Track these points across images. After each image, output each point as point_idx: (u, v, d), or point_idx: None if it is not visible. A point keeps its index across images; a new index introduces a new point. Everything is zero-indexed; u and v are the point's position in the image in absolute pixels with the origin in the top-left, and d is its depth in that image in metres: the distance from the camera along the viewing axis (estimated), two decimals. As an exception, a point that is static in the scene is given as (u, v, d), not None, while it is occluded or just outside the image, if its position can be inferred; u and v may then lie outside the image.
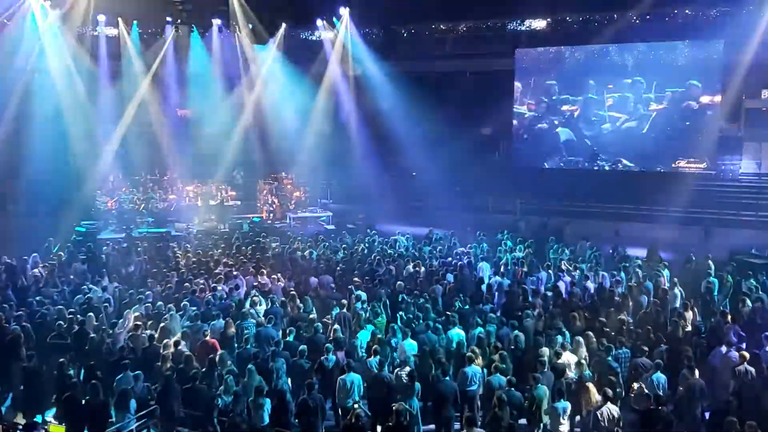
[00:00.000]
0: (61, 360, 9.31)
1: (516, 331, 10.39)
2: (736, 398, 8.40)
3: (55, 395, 9.09)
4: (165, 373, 8.95)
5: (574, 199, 22.14)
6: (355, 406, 8.34)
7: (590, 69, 24.43)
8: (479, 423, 8.56)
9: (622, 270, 14.28)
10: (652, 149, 23.38)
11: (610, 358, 9.28)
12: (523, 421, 8.69)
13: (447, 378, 8.82)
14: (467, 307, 11.83)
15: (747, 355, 9.36)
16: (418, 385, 8.80)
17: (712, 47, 22.20)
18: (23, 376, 9.37)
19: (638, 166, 23.88)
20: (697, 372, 8.95)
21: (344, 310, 11.60)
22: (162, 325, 10.51)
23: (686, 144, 22.78)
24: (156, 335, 10.15)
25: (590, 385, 8.66)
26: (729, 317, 11.05)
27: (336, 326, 10.70)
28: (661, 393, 8.58)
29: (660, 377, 8.86)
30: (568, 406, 8.28)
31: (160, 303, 11.75)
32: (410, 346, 9.93)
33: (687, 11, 21.32)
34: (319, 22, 24.34)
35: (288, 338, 10.33)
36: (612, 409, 8.04)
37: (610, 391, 8.19)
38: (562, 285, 13.28)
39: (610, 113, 24.16)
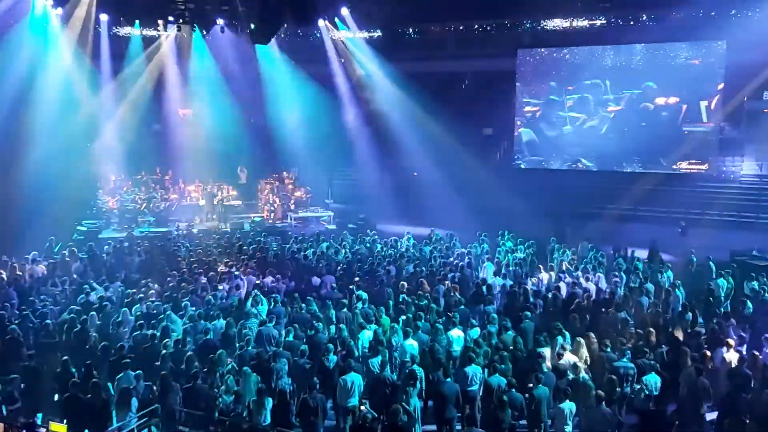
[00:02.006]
0: (65, 359, 9.33)
1: (511, 332, 10.40)
2: (733, 399, 8.42)
3: (57, 394, 9.11)
4: (162, 372, 8.96)
5: (574, 199, 22.12)
6: (362, 407, 8.35)
7: (552, 70, 24.82)
8: (479, 423, 8.57)
9: (623, 271, 14.31)
10: (612, 150, 23.92)
11: (625, 360, 9.24)
12: (523, 422, 8.70)
13: (449, 379, 8.83)
14: (463, 306, 11.85)
15: (738, 355, 9.41)
16: (418, 384, 8.82)
17: (678, 49, 22.57)
18: (23, 376, 9.38)
19: (597, 166, 24.36)
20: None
21: (344, 310, 11.63)
22: (163, 324, 10.53)
23: (643, 144, 23.31)
24: (158, 334, 10.16)
25: (589, 385, 8.63)
26: (731, 318, 11.08)
27: (341, 326, 10.73)
28: (656, 394, 8.58)
29: (655, 378, 8.85)
30: (574, 406, 8.27)
31: (158, 302, 11.78)
32: (410, 346, 9.95)
33: (692, 13, 21.30)
34: (320, 22, 24.33)
35: (288, 338, 10.35)
36: (605, 411, 8.02)
37: (602, 393, 8.17)
38: (563, 286, 13.32)
39: (571, 114, 24.52)
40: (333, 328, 10.83)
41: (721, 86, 22.11)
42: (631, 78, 23.40)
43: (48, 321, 10.68)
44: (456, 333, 10.43)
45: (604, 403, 8.04)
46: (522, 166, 25.59)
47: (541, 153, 25.33)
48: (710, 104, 22.35)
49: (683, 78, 22.53)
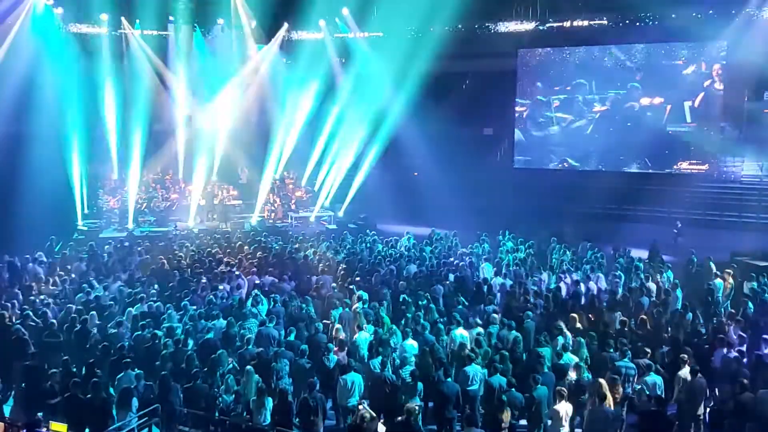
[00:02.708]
0: (65, 358, 9.33)
1: (515, 332, 10.40)
2: (733, 400, 8.42)
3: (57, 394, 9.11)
4: (162, 372, 8.97)
5: (574, 199, 22.13)
6: (360, 407, 8.36)
7: (551, 70, 25.02)
8: (479, 423, 8.59)
9: (623, 271, 14.31)
10: (597, 149, 24.24)
11: (626, 360, 9.25)
12: (523, 422, 8.71)
13: (449, 379, 8.83)
14: (460, 307, 11.84)
15: (737, 355, 9.42)
16: (420, 384, 8.82)
17: (662, 50, 22.85)
18: (24, 375, 9.40)
19: (583, 165, 24.61)
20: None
21: (345, 310, 11.64)
22: (166, 325, 10.52)
23: (628, 144, 23.56)
24: (159, 333, 10.17)
25: (603, 383, 8.61)
26: (731, 319, 11.09)
27: (338, 326, 10.74)
28: (657, 394, 8.59)
29: (656, 378, 8.86)
30: (571, 408, 8.27)
31: (159, 303, 11.78)
32: (410, 346, 9.95)
33: (692, 13, 21.32)
34: (320, 22, 24.35)
35: (289, 338, 10.36)
36: (609, 410, 8.03)
37: (604, 392, 8.18)
38: (563, 286, 13.32)
39: (557, 114, 24.79)
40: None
41: (707, 83, 22.27)
42: (617, 78, 23.60)
43: (53, 320, 10.68)
44: (460, 332, 10.43)
45: (608, 402, 8.06)
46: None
47: (528, 153, 25.48)
48: (694, 104, 22.52)
49: (667, 78, 22.75)
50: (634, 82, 23.36)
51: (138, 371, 8.97)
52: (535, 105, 25.27)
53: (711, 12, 21.01)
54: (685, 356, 9.17)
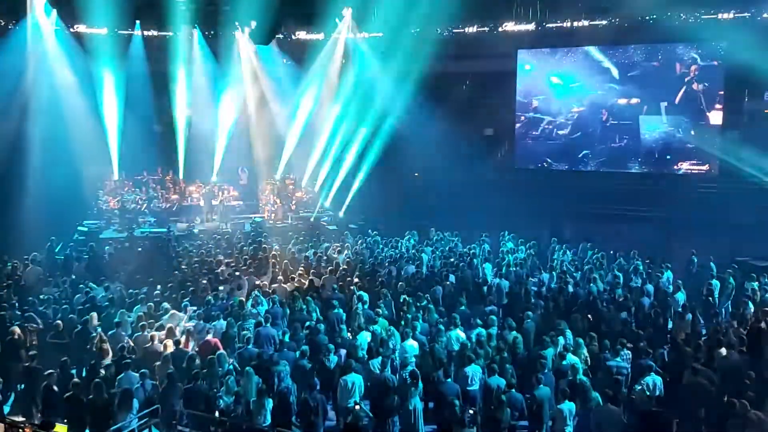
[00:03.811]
0: (64, 359, 9.32)
1: (515, 332, 10.40)
2: (733, 400, 8.42)
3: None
4: (166, 372, 8.97)
5: (575, 199, 22.13)
6: (356, 407, 8.36)
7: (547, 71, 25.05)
8: (479, 423, 8.59)
9: (623, 271, 14.31)
10: (577, 150, 24.41)
11: (619, 359, 9.26)
12: (524, 422, 8.70)
13: (449, 379, 8.83)
14: (463, 307, 11.85)
15: (737, 356, 9.41)
16: (420, 385, 8.82)
17: (645, 50, 22.96)
18: (24, 376, 9.39)
19: (563, 166, 24.79)
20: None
21: (345, 311, 11.64)
22: (169, 325, 10.52)
23: (608, 145, 23.77)
24: (158, 335, 10.17)
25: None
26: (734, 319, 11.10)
27: (340, 326, 10.74)
28: (656, 394, 8.59)
29: (656, 379, 8.85)
30: (574, 406, 8.28)
31: (163, 304, 11.78)
32: (411, 346, 9.94)
33: (691, 13, 21.31)
34: (321, 23, 24.34)
35: (284, 338, 10.36)
36: (612, 410, 8.04)
37: (610, 392, 8.20)
38: (564, 286, 13.31)
39: (537, 115, 25.12)
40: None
41: (689, 78, 22.33)
42: (600, 78, 23.68)
43: (59, 321, 10.68)
44: (459, 333, 10.43)
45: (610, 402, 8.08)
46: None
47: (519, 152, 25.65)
48: (669, 104, 22.60)
49: (645, 79, 22.82)
50: (615, 83, 23.42)
51: (142, 370, 8.98)
52: (525, 105, 25.34)
53: (711, 12, 21.01)
54: (685, 356, 9.17)
